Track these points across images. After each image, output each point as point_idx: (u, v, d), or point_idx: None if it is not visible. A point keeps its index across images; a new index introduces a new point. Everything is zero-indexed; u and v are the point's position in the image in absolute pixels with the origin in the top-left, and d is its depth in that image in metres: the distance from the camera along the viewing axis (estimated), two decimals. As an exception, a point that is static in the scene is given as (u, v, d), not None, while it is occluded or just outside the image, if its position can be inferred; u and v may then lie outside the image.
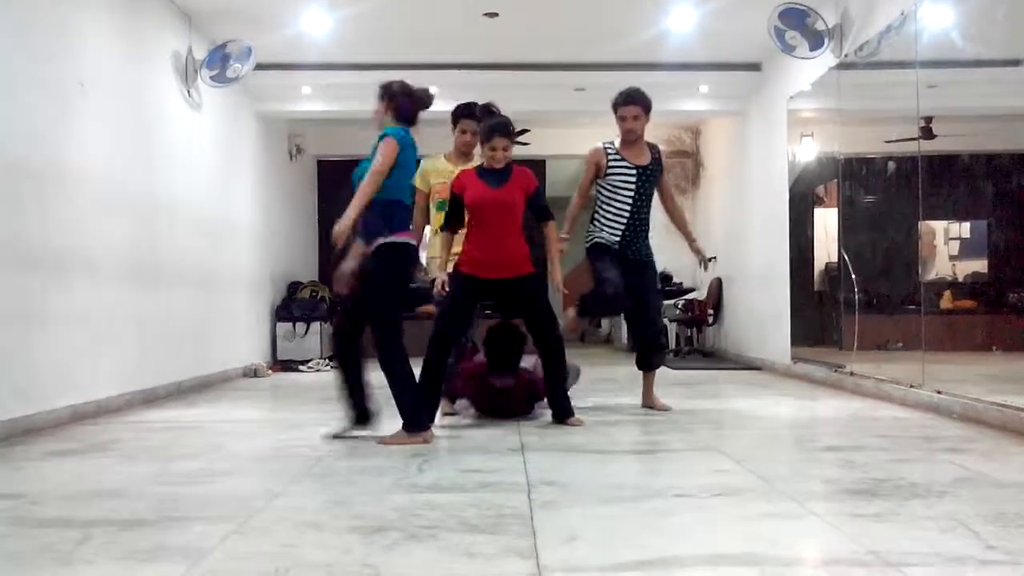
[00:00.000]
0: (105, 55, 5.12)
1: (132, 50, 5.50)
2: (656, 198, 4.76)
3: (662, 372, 4.96)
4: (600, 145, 4.68)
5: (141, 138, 5.58)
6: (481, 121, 4.70)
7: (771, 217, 7.51)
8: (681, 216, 4.97)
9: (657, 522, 2.35)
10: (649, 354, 4.68)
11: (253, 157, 8.16)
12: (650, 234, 4.73)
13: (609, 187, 4.60)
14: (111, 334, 5.06)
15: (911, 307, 5.34)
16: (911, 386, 4.87)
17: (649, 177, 4.63)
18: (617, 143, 4.66)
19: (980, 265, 6.40)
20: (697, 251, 4.94)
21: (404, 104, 4.02)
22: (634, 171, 4.60)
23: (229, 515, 2.44)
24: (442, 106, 8.51)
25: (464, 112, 4.80)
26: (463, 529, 2.26)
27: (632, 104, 4.58)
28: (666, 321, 5.43)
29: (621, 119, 4.61)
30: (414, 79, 8.04)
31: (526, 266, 4.12)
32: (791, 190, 7.14)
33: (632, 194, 4.57)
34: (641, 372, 4.74)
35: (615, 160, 4.61)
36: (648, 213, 4.68)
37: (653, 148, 4.73)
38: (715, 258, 9.60)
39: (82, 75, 4.80)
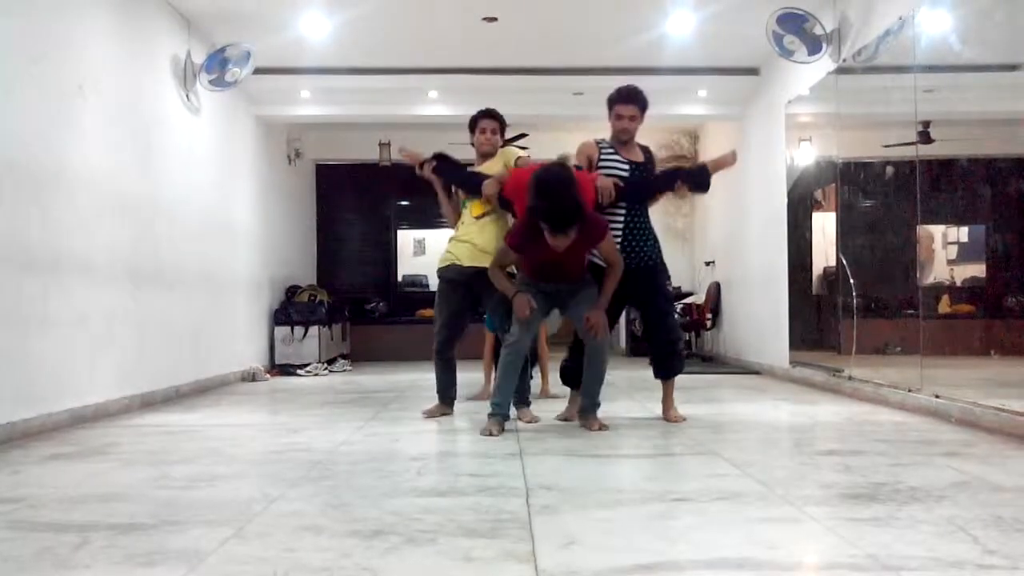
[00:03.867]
0: (104, 59, 5.12)
1: (131, 54, 5.51)
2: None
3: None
4: (591, 139, 4.52)
5: (140, 141, 5.59)
6: (502, 123, 4.75)
7: (769, 221, 7.51)
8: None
9: (656, 526, 2.35)
10: (663, 361, 4.48)
11: (252, 161, 8.16)
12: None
13: None
14: (110, 337, 5.05)
15: (909, 311, 5.33)
16: (909, 390, 4.87)
17: (644, 174, 4.46)
18: (609, 140, 4.50)
19: (978, 269, 6.40)
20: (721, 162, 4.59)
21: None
22: (627, 166, 4.41)
23: (228, 519, 2.43)
24: (442, 110, 8.60)
25: (480, 114, 4.79)
26: (461, 533, 2.26)
27: (630, 103, 4.43)
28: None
29: (617, 117, 4.45)
30: (412, 83, 8.13)
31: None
32: (789, 194, 7.15)
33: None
34: (659, 381, 4.53)
35: (608, 155, 4.42)
36: (647, 215, 4.48)
37: (645, 149, 4.57)
38: (713, 262, 9.63)
39: (81, 78, 4.81)
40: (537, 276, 4.19)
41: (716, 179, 4.62)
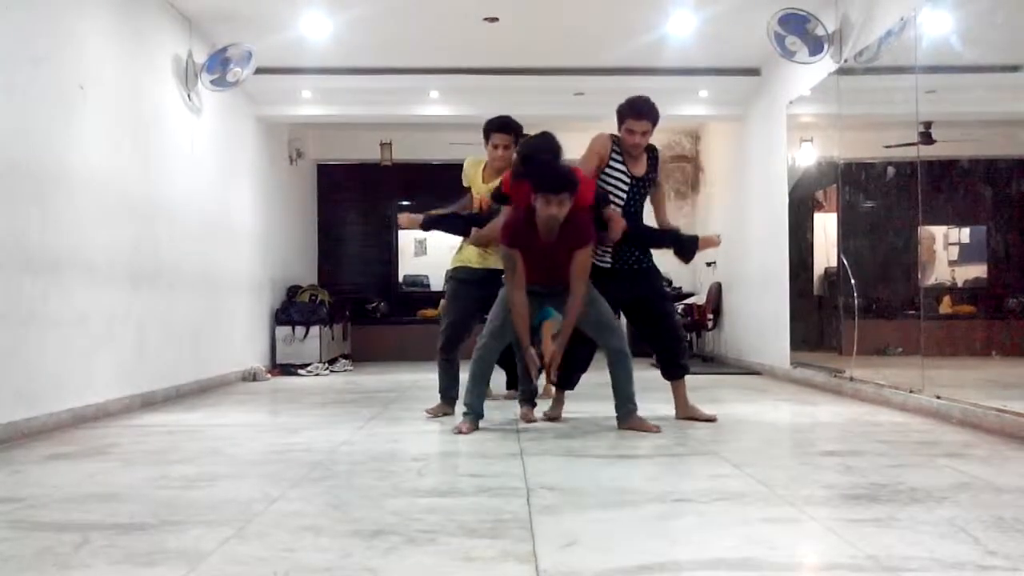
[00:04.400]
0: (105, 58, 5.12)
1: (132, 53, 5.51)
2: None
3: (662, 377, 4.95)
4: (607, 134, 4.41)
5: (141, 141, 5.59)
6: (518, 135, 4.62)
7: (771, 222, 7.51)
8: (661, 215, 4.69)
9: (656, 526, 2.35)
10: (670, 362, 4.50)
11: (253, 161, 8.16)
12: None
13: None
14: (110, 337, 5.05)
15: (910, 312, 5.32)
16: (910, 391, 4.87)
17: (642, 188, 4.45)
18: (620, 142, 4.41)
19: (980, 270, 6.39)
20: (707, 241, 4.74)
21: None
22: (628, 181, 4.39)
23: (228, 519, 2.43)
24: (443, 110, 8.60)
25: (493, 126, 4.70)
26: (462, 533, 2.26)
27: (644, 118, 4.32)
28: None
29: (628, 131, 4.33)
30: (413, 83, 8.13)
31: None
32: (790, 195, 7.14)
33: (621, 205, 4.35)
34: (670, 383, 4.55)
35: (616, 161, 4.38)
36: (640, 221, 4.48)
37: (651, 152, 4.48)
38: (715, 263, 9.63)
39: (82, 78, 4.81)
40: (530, 274, 4.16)
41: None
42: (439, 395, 4.83)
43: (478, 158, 4.89)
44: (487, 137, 4.74)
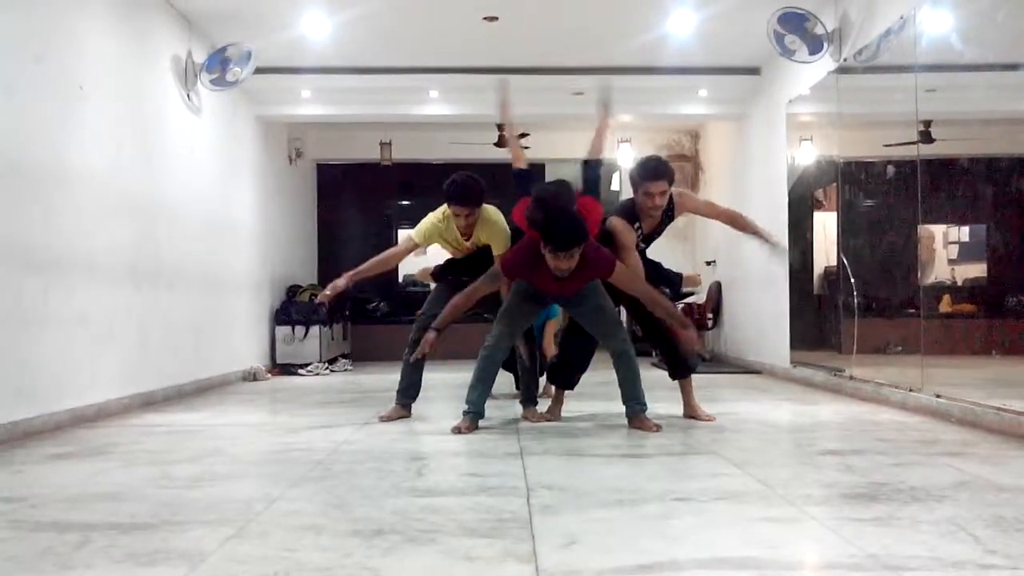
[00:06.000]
0: (105, 58, 5.12)
1: (132, 53, 5.51)
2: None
3: (662, 375, 4.96)
4: (623, 221, 4.36)
5: (141, 141, 5.59)
6: (473, 198, 4.33)
7: (770, 221, 7.48)
8: (740, 223, 4.83)
9: (656, 526, 2.35)
10: (678, 360, 4.53)
11: (253, 160, 8.16)
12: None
13: None
14: (111, 337, 5.06)
15: (910, 311, 5.33)
16: (910, 390, 4.87)
17: (654, 236, 4.57)
18: (637, 212, 4.42)
19: (979, 269, 6.39)
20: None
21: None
22: (643, 242, 4.51)
23: (228, 519, 2.44)
24: (443, 110, 8.59)
25: (450, 197, 4.34)
26: (462, 533, 2.26)
27: (661, 179, 4.33)
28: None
29: (646, 194, 4.33)
30: (413, 83, 8.12)
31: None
32: (790, 194, 7.14)
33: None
34: (677, 382, 4.58)
35: (636, 237, 4.45)
36: (645, 260, 4.58)
37: (668, 203, 4.43)
38: (714, 261, 9.63)
39: (82, 78, 4.81)
40: (542, 289, 4.17)
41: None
42: (396, 395, 4.66)
43: (440, 214, 4.50)
44: (448, 202, 4.37)
